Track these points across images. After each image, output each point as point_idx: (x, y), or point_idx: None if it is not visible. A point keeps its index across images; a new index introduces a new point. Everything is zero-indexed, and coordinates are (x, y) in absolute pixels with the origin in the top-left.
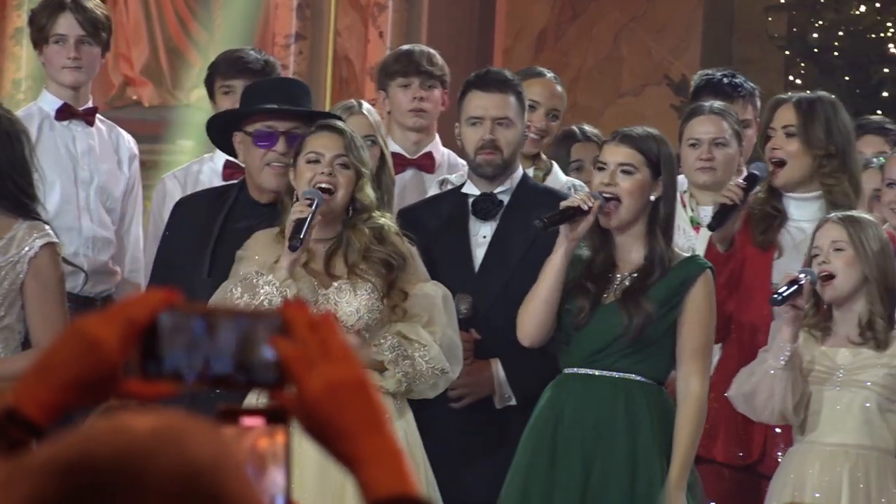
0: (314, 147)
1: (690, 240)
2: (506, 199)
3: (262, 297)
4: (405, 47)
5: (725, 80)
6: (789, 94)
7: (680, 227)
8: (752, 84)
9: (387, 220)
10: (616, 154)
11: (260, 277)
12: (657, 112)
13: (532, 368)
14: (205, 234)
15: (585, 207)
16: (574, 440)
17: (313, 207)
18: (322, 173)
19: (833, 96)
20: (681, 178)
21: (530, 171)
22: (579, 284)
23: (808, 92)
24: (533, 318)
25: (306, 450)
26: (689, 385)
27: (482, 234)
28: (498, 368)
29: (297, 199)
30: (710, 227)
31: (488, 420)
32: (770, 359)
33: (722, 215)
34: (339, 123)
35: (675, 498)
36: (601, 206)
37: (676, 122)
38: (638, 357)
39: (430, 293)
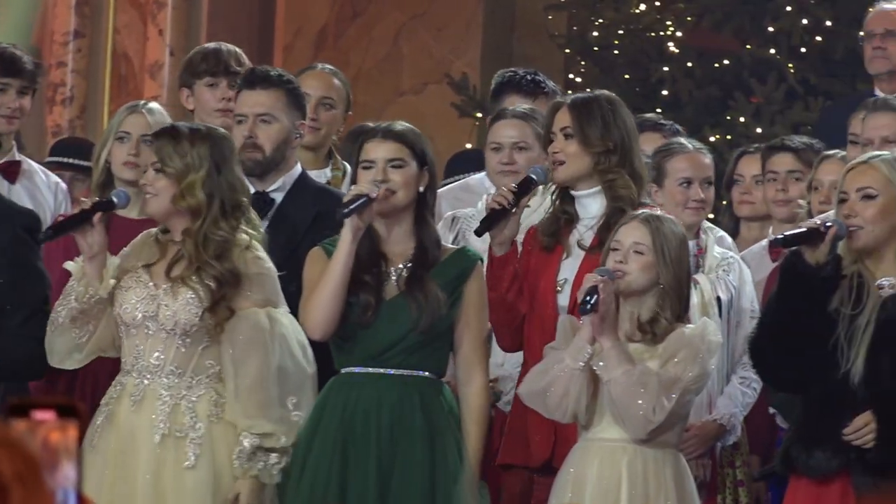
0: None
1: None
2: (278, 197)
3: (68, 292)
4: (212, 45)
5: (529, 78)
6: (568, 95)
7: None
8: (553, 83)
9: (242, 235)
10: (383, 150)
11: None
12: (438, 110)
13: None
14: None
15: (374, 195)
16: (368, 443)
17: (95, 208)
18: (144, 183)
19: (612, 94)
20: (479, 178)
21: (327, 172)
22: (357, 279)
23: (587, 91)
24: (320, 311)
25: (108, 444)
26: (473, 377)
27: None
28: None
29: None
30: (477, 232)
31: None
32: (567, 359)
33: (490, 220)
34: (160, 131)
35: (473, 493)
36: (385, 193)
37: (457, 120)
38: (425, 353)
39: (261, 323)
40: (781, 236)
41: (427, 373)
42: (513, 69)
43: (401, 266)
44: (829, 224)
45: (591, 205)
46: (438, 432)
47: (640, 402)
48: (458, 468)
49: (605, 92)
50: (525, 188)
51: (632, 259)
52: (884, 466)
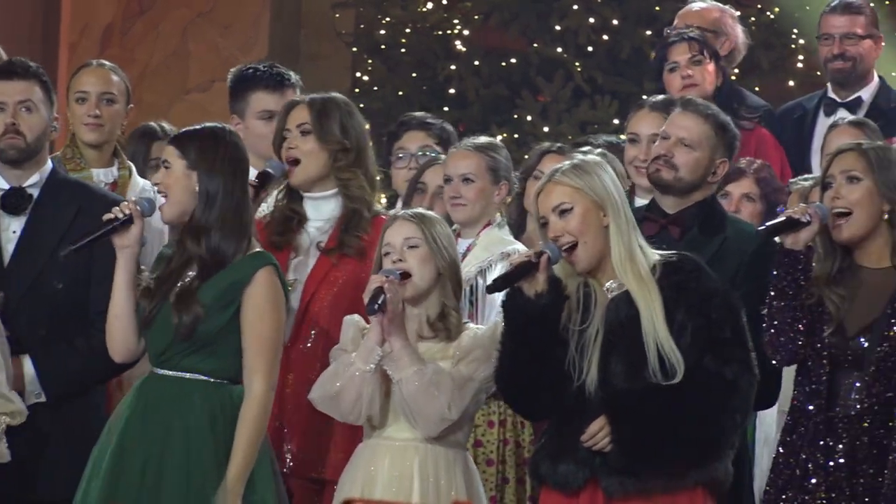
0: None
1: None
2: (35, 192)
3: None
4: None
5: (272, 71)
6: (303, 97)
7: None
8: (294, 74)
9: None
10: (164, 153)
11: None
12: (224, 108)
13: (65, 365)
14: None
15: (122, 216)
16: (138, 439)
17: None
18: None
19: (346, 98)
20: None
21: (114, 171)
22: (147, 285)
23: (322, 92)
24: (113, 335)
25: None
26: (252, 384)
27: (12, 229)
28: (28, 365)
29: None
30: None
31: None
32: (358, 362)
33: None
34: None
35: (229, 498)
36: (144, 211)
37: None
38: (200, 356)
39: None
40: (493, 282)
41: (203, 375)
42: (251, 65)
43: (192, 273)
44: (540, 252)
45: (324, 206)
46: (196, 435)
47: (434, 400)
48: (214, 471)
49: (340, 95)
50: (262, 182)
51: (408, 255)
52: (626, 466)
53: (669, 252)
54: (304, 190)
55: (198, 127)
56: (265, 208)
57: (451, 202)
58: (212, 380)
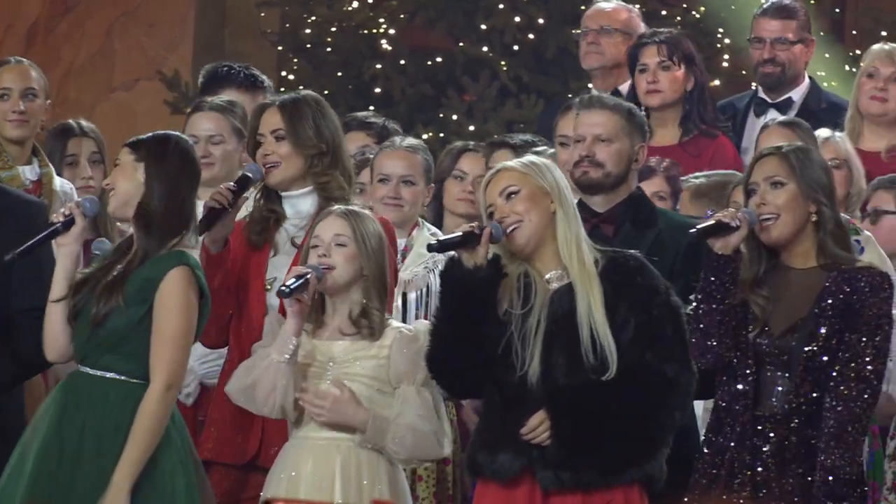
0: None
1: None
2: None
3: None
4: None
5: (245, 73)
6: (272, 98)
7: None
8: (266, 77)
9: None
10: (119, 154)
11: None
12: (150, 107)
13: None
14: None
15: (63, 218)
16: (58, 437)
17: None
18: None
19: (316, 94)
20: None
21: (36, 168)
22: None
23: (292, 92)
24: (46, 331)
25: None
26: (153, 381)
27: None
28: None
29: None
30: (198, 230)
31: None
32: (273, 353)
33: (209, 219)
34: None
35: (113, 495)
36: (85, 212)
37: (168, 116)
38: (117, 356)
39: None
40: (437, 242)
41: (121, 375)
42: (226, 63)
43: (122, 266)
44: (483, 226)
45: (301, 204)
46: (108, 434)
47: (428, 440)
48: (108, 471)
49: (311, 92)
50: (242, 186)
51: (335, 252)
52: (563, 461)
53: (611, 248)
54: (282, 189)
55: (154, 135)
56: (245, 211)
57: (388, 202)
58: (129, 380)
